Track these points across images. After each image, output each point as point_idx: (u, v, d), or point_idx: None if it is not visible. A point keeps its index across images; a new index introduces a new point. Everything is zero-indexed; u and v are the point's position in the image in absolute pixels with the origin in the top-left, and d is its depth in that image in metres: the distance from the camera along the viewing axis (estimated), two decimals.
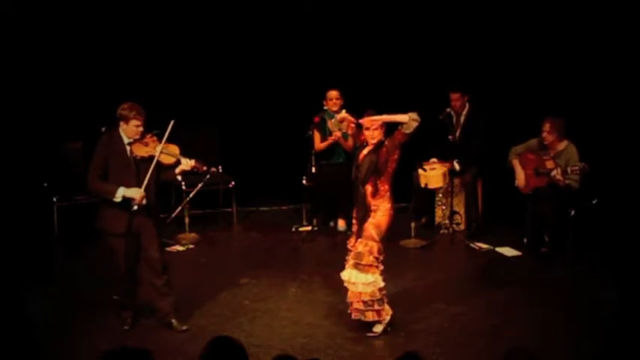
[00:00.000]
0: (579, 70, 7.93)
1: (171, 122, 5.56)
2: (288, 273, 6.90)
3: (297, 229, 8.15)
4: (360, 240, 5.58)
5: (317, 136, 7.85)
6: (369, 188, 5.57)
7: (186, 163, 5.62)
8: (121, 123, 5.55)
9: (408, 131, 5.47)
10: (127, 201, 5.49)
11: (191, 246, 7.70)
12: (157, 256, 5.69)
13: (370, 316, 5.58)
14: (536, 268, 7.00)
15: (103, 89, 8.13)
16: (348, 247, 5.75)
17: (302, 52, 8.64)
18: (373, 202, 5.59)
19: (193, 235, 7.90)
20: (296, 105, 8.42)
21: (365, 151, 5.65)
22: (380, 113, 5.59)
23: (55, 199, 7.69)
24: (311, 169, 7.75)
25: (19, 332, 5.59)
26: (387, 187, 5.61)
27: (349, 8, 8.53)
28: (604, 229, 7.30)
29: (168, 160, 5.61)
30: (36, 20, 7.85)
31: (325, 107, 7.84)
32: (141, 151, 5.56)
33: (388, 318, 5.62)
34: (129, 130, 5.54)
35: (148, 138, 5.61)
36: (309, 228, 8.04)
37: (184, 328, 5.72)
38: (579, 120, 7.30)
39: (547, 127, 7.07)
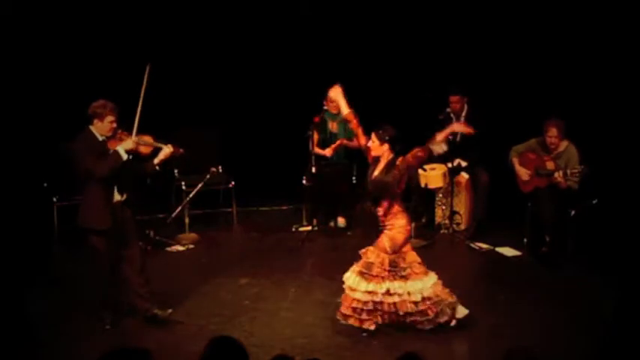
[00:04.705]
0: (578, 70, 7.93)
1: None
2: (288, 273, 6.89)
3: (297, 229, 8.14)
4: (372, 248, 5.57)
5: (317, 136, 7.86)
6: (380, 209, 5.56)
7: (165, 149, 5.66)
8: (95, 121, 5.53)
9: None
10: (109, 195, 5.53)
11: (191, 246, 7.69)
12: (137, 252, 5.73)
13: (351, 322, 5.57)
14: (536, 268, 7.01)
15: (103, 89, 8.10)
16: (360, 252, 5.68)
17: (302, 53, 8.64)
18: (386, 221, 5.57)
19: (193, 235, 7.88)
20: (296, 105, 8.41)
21: (377, 171, 5.60)
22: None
23: (55, 199, 7.68)
24: (311, 169, 7.75)
25: (19, 332, 5.59)
26: (398, 206, 5.56)
27: (349, 9, 8.53)
28: (604, 229, 7.29)
29: (146, 150, 5.67)
30: (35, 21, 7.85)
31: (325, 107, 7.83)
32: (117, 146, 5.55)
33: (372, 328, 5.56)
34: (103, 127, 5.53)
35: (120, 133, 5.62)
36: (309, 228, 8.02)
37: (169, 311, 5.73)
38: (579, 120, 7.30)
39: (554, 132, 7.00)
